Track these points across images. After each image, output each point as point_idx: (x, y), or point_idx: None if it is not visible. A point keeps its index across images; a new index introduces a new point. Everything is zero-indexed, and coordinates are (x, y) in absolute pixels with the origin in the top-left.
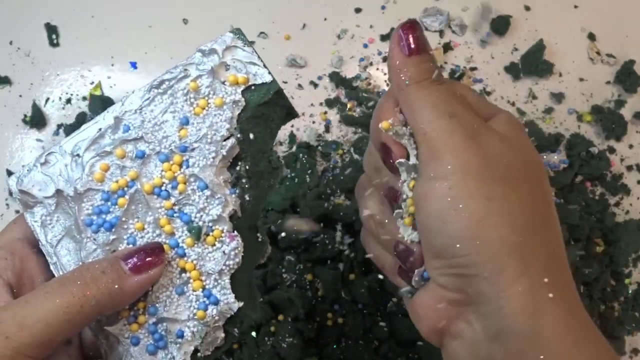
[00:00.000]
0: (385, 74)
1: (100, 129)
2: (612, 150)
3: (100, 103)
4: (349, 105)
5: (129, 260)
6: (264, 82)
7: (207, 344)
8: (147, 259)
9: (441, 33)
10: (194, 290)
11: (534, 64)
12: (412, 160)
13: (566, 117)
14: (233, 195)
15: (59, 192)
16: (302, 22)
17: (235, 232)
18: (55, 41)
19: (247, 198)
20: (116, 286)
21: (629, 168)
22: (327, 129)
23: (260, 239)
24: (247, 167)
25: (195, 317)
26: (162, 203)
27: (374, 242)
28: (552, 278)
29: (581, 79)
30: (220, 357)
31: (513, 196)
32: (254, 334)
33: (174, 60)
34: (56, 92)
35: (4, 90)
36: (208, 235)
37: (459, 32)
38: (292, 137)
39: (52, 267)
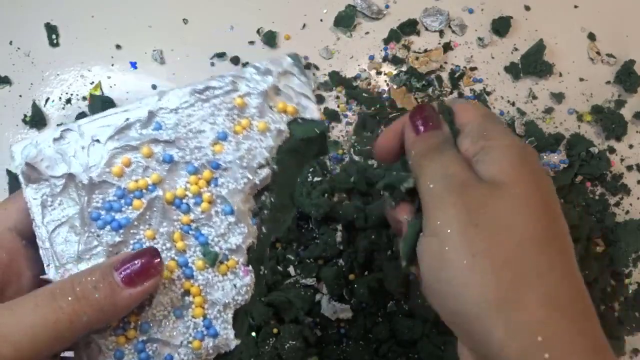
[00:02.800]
0: (385, 74)
1: (128, 119)
2: (612, 150)
3: (100, 103)
4: (340, 107)
5: (123, 271)
6: (312, 118)
7: None
8: (142, 270)
9: (441, 33)
10: (193, 317)
11: (534, 64)
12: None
13: (566, 117)
14: (254, 226)
15: (70, 175)
16: (302, 22)
17: (250, 267)
18: (55, 41)
19: (264, 230)
20: (108, 302)
21: (629, 168)
22: (327, 128)
23: (262, 272)
24: (272, 200)
25: (190, 345)
26: (180, 216)
27: None
28: (554, 330)
29: (581, 79)
30: None
31: (498, 250)
32: (253, 334)
33: (174, 60)
34: (56, 92)
35: (4, 90)
36: (222, 263)
37: (459, 32)
38: None
39: (41, 253)
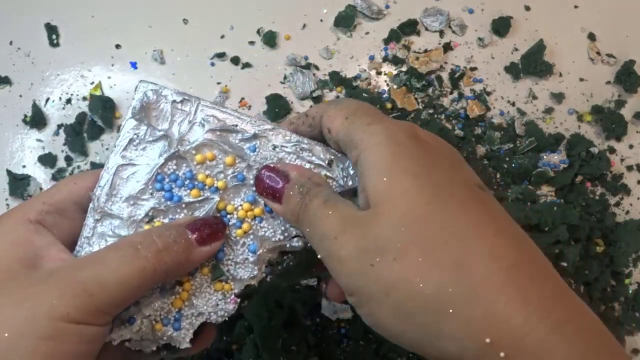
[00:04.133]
0: (385, 74)
1: (235, 126)
2: (612, 150)
3: (100, 103)
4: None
5: (196, 231)
6: None
7: (137, 344)
8: (211, 233)
9: (441, 33)
10: (171, 304)
11: (534, 64)
12: None
13: (566, 117)
14: (264, 274)
15: (165, 135)
16: (302, 22)
17: (238, 300)
18: (55, 41)
19: (268, 279)
20: (185, 255)
21: (629, 168)
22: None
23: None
24: (291, 264)
25: (153, 322)
26: None
27: None
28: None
29: (581, 79)
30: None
31: (398, 274)
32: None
33: (174, 59)
34: (56, 92)
35: (4, 90)
36: (221, 282)
37: (459, 32)
38: None
39: (101, 174)
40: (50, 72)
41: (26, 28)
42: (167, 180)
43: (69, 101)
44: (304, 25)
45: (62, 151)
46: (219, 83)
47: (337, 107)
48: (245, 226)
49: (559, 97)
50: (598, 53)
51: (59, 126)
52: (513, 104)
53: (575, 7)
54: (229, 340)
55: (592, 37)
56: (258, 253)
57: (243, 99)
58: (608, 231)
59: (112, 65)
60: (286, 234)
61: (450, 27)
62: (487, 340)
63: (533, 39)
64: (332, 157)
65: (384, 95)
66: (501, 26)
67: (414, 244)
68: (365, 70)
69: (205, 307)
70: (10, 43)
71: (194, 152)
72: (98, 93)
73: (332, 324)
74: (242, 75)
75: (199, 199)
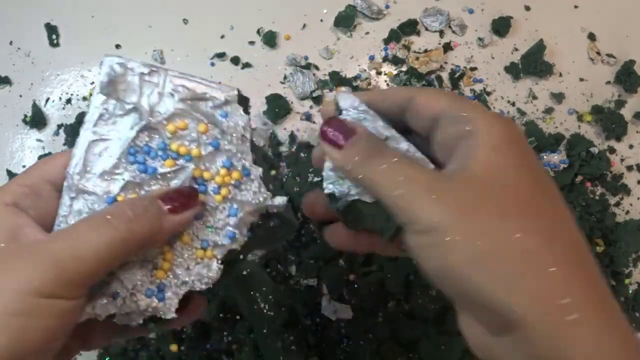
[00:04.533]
0: (385, 74)
1: (206, 94)
2: (612, 150)
3: None
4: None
5: (167, 200)
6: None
7: (124, 318)
8: (184, 201)
9: (441, 33)
10: (154, 275)
11: (534, 64)
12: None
13: (566, 117)
14: (245, 238)
15: (135, 108)
16: (302, 22)
17: (222, 265)
18: (55, 41)
19: (253, 244)
20: (157, 224)
21: (629, 168)
22: None
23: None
24: (273, 224)
25: (136, 294)
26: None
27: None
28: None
29: (581, 79)
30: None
31: (499, 234)
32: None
33: (174, 60)
34: (56, 92)
35: (4, 90)
36: (203, 250)
37: (459, 32)
38: (292, 137)
39: (73, 152)
40: (50, 72)
41: (26, 28)
42: (140, 152)
43: (69, 101)
44: (304, 25)
45: (62, 151)
46: (219, 83)
47: (434, 90)
48: (223, 191)
49: (559, 97)
50: (598, 53)
51: (59, 126)
52: (513, 104)
53: (575, 7)
54: (229, 340)
55: (592, 37)
56: (239, 216)
57: None
58: (608, 231)
59: None
60: (264, 196)
61: (450, 27)
62: (564, 301)
63: (533, 39)
64: (390, 135)
65: None
66: (501, 26)
67: (516, 205)
68: (365, 70)
69: (188, 276)
70: (10, 43)
71: (165, 122)
72: None
73: (332, 324)
74: (242, 75)
75: (174, 168)
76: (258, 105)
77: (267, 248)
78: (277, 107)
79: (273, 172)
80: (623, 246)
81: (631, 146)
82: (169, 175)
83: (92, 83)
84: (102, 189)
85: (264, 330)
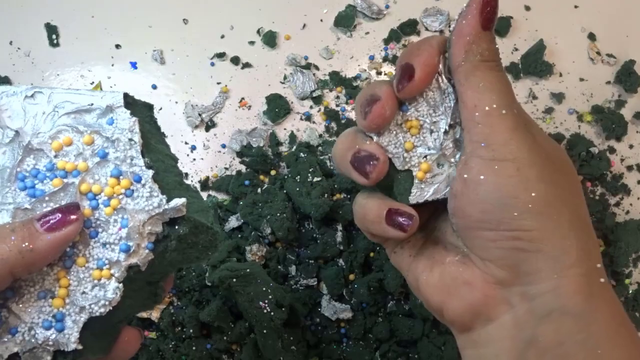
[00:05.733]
0: (385, 74)
1: (91, 105)
2: (612, 150)
3: None
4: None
5: (42, 219)
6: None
7: (30, 356)
8: (61, 217)
9: (441, 33)
10: (51, 305)
11: (534, 64)
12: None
13: (566, 117)
14: (147, 250)
15: (18, 132)
16: (302, 22)
17: (121, 285)
18: (55, 41)
19: (167, 258)
20: (27, 244)
21: (629, 168)
22: (328, 129)
23: (156, 293)
24: (185, 232)
25: (34, 328)
26: (85, 209)
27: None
28: (600, 265)
29: (581, 79)
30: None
31: (571, 187)
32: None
33: (174, 59)
34: None
35: None
36: (99, 269)
37: None
38: (292, 137)
39: None
40: (50, 72)
41: (26, 28)
42: (29, 177)
43: None
44: (304, 25)
45: None
46: (219, 83)
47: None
48: (113, 202)
49: (559, 97)
50: (598, 53)
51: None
52: None
53: (575, 7)
54: (229, 340)
55: (592, 37)
56: (129, 226)
57: (243, 99)
58: (608, 231)
59: (112, 65)
60: (159, 199)
61: (450, 27)
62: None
63: (533, 39)
64: (452, 123)
65: None
66: (501, 26)
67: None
68: (365, 70)
69: (85, 301)
70: (10, 43)
71: (50, 141)
72: None
73: (332, 324)
74: (242, 75)
75: (61, 187)
76: (258, 105)
77: (188, 263)
78: (277, 107)
79: (273, 172)
80: (623, 246)
81: (631, 146)
82: (57, 194)
83: (92, 83)
84: None
85: (264, 330)
